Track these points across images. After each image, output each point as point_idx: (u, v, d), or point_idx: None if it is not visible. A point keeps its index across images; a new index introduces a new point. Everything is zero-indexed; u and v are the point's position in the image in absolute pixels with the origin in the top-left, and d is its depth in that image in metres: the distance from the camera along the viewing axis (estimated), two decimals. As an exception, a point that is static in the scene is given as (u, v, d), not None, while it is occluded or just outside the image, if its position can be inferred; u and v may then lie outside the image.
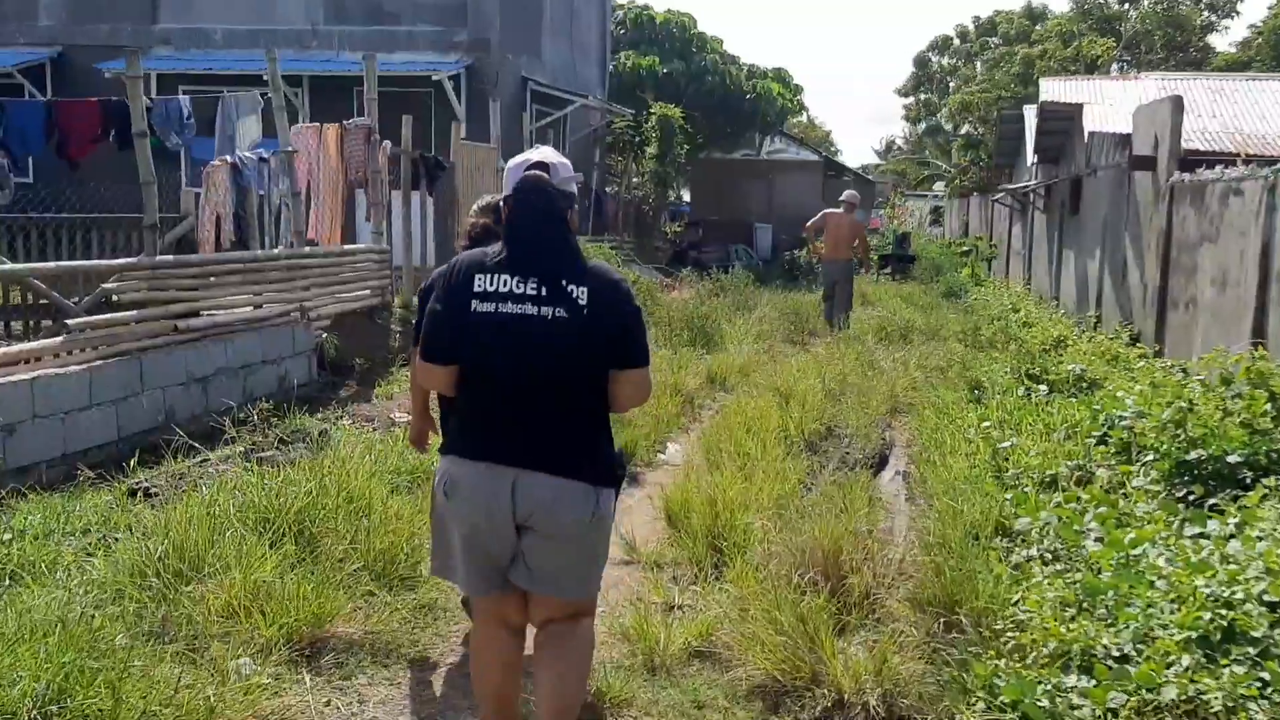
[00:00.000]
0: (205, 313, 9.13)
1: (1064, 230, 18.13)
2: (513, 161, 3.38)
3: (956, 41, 39.62)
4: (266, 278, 9.91)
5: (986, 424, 8.44)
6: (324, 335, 10.71)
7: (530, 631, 3.58)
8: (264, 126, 11.54)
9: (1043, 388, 9.36)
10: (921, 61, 42.47)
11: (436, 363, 3.30)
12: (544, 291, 3.13)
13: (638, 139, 24.14)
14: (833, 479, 7.15)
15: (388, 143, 12.23)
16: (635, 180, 25.10)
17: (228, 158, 9.76)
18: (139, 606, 4.71)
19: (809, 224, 15.29)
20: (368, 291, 11.75)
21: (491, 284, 3.16)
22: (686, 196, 32.49)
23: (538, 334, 3.13)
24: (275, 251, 10.30)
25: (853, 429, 9.26)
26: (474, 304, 3.17)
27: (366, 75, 11.92)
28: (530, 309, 3.13)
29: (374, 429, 8.72)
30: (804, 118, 34.59)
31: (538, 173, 3.23)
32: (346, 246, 11.62)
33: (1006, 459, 7.45)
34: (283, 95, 10.56)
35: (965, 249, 26.06)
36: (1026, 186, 22.33)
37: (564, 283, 3.14)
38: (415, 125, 14.56)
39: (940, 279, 22.99)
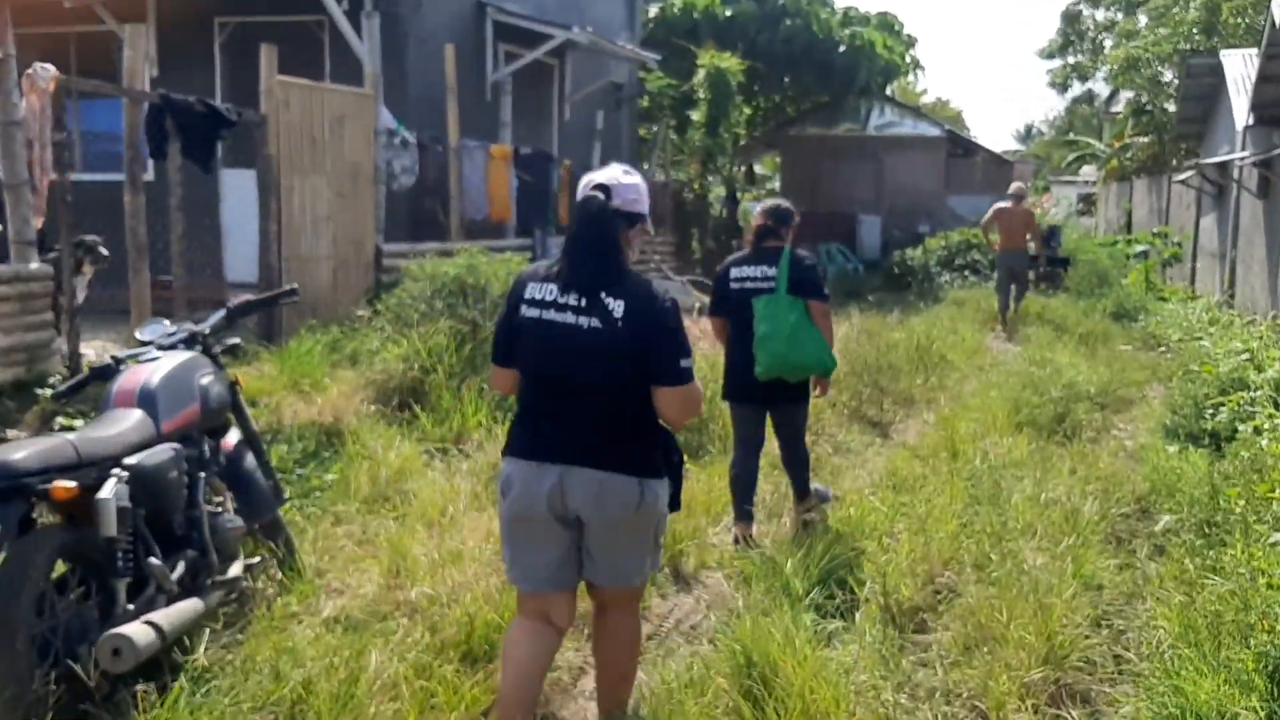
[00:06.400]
0: None
1: (1303, 223, 11.85)
2: (584, 178, 3.51)
3: (1115, -11, 32.48)
4: None
5: None
6: None
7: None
8: None
9: None
10: (1071, 16, 35.21)
11: (498, 364, 3.51)
12: (583, 303, 3.26)
13: (675, 101, 17.98)
14: None
15: (41, 68, 6.33)
16: (678, 158, 18.96)
17: None
18: None
19: (982, 221, 15.47)
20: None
21: (539, 292, 3.33)
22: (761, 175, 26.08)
23: (575, 341, 3.26)
24: None
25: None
26: (523, 309, 3.35)
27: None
28: (570, 318, 3.27)
29: None
30: (916, 78, 27.70)
31: (595, 194, 3.35)
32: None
33: None
34: None
35: (1140, 248, 19.15)
36: (1231, 159, 15.78)
37: (602, 295, 3.26)
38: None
39: (1105, 291, 16.25)
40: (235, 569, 4.24)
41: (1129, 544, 5.76)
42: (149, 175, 11.86)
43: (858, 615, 4.63)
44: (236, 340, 4.79)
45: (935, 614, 4.71)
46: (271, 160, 8.13)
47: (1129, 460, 7.49)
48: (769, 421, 5.90)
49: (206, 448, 4.35)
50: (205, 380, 4.24)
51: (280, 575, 4.62)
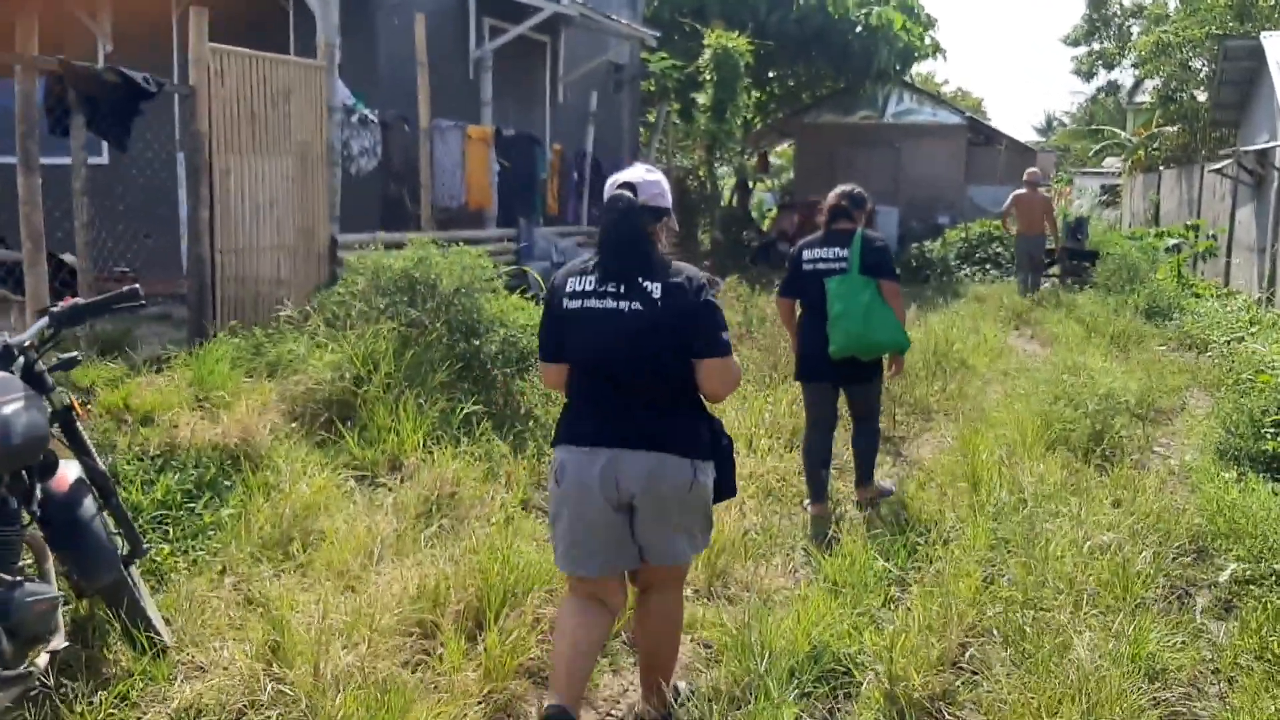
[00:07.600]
0: None
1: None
2: (610, 179, 3.65)
3: (1143, -26, 31.18)
4: None
5: None
6: None
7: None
8: None
9: None
10: (1098, 1, 33.92)
11: (546, 360, 3.64)
12: (623, 289, 3.41)
13: (679, 84, 16.91)
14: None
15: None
16: (684, 144, 17.90)
17: None
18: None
19: (1003, 209, 15.67)
20: None
21: (580, 285, 3.49)
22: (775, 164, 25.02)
23: (619, 325, 3.39)
24: None
25: None
26: (566, 302, 3.50)
27: None
28: (611, 303, 3.42)
29: None
30: (937, 61, 26.39)
31: (622, 191, 3.51)
32: None
33: None
34: None
35: (1172, 242, 17.98)
36: (1272, 147, 14.81)
37: (640, 279, 3.40)
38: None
39: (1136, 286, 15.15)
40: (43, 658, 3.28)
41: (1188, 598, 4.77)
42: (103, 159, 10.98)
43: (854, 707, 3.66)
44: (74, 354, 3.82)
45: (954, 705, 3.73)
46: (202, 138, 7.13)
47: (1178, 485, 6.48)
48: (842, 400, 6.10)
49: (24, 491, 3.40)
50: (9, 408, 3.26)
51: (123, 653, 3.68)
